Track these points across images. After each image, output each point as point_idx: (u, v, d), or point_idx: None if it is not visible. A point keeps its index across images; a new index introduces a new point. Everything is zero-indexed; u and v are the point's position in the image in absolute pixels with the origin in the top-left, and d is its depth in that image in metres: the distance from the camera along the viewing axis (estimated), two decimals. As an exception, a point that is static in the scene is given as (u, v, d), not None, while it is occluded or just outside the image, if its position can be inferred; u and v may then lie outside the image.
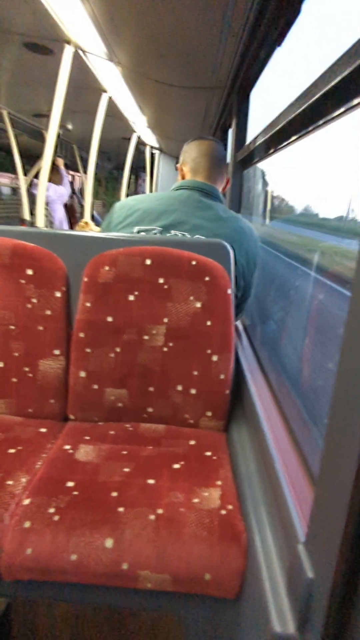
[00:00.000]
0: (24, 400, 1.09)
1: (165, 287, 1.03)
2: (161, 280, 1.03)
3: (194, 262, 1.02)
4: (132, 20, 1.54)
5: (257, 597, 0.60)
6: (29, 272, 1.05)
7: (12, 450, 0.92)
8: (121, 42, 1.85)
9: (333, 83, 0.71)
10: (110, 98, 2.94)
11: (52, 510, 0.75)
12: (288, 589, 0.56)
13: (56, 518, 0.74)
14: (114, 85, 2.65)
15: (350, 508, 0.40)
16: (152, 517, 0.75)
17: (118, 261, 1.03)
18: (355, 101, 0.71)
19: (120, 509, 0.76)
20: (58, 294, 1.06)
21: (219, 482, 0.85)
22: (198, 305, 1.03)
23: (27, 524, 0.73)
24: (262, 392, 1.04)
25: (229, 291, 1.03)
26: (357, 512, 0.40)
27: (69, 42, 1.97)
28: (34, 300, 1.05)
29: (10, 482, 0.82)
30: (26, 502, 0.77)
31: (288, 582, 0.56)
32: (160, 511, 0.76)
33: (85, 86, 2.68)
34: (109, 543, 0.71)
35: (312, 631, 0.48)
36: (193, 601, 0.75)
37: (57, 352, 1.07)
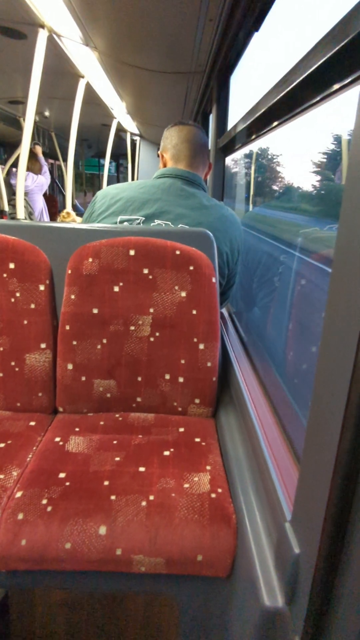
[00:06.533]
0: (11, 394, 1.08)
1: (150, 277, 1.03)
2: (146, 271, 1.03)
3: (177, 252, 1.03)
4: (107, 3, 1.50)
5: (248, 574, 0.62)
6: (11, 265, 1.04)
7: (1, 445, 0.92)
8: (96, 26, 1.80)
9: (312, 69, 0.71)
10: (88, 84, 2.87)
11: (44, 501, 0.76)
12: (276, 565, 0.59)
13: (49, 509, 0.75)
14: (91, 70, 2.58)
15: (332, 486, 0.42)
16: (144, 503, 0.76)
17: (102, 252, 1.03)
18: (335, 87, 0.72)
19: (113, 497, 0.77)
20: (42, 287, 1.05)
21: (209, 467, 0.87)
22: (183, 294, 1.03)
23: (20, 516, 0.74)
24: (248, 377, 1.06)
25: (214, 280, 1.04)
26: (339, 490, 0.42)
27: (42, 26, 1.91)
28: (18, 295, 1.04)
29: (1, 476, 0.82)
30: (18, 494, 0.78)
31: (276, 559, 0.59)
32: (151, 497, 0.77)
33: (61, 71, 2.61)
34: (102, 530, 0.72)
35: (299, 603, 0.50)
36: (186, 582, 0.78)
37: (43, 345, 1.07)
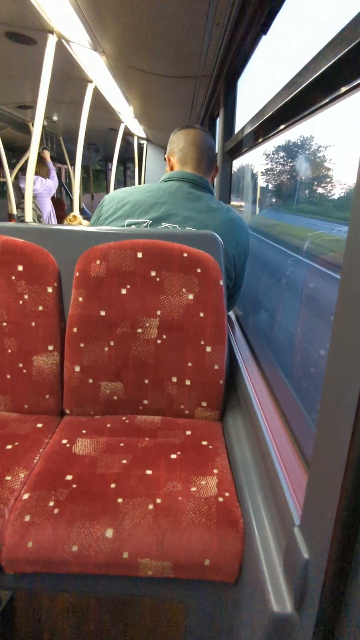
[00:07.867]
0: (19, 396, 1.09)
1: (158, 279, 1.03)
2: (153, 273, 1.03)
3: (185, 254, 1.03)
4: (115, 9, 1.52)
5: (256, 579, 0.62)
6: (20, 268, 1.04)
7: (9, 447, 0.93)
8: (105, 31, 1.82)
9: (320, 72, 0.71)
10: (95, 88, 2.89)
11: (51, 503, 0.76)
12: (285, 571, 0.58)
13: (56, 511, 0.75)
14: (100, 75, 2.61)
15: (342, 490, 0.42)
16: (151, 506, 0.76)
17: (109, 255, 1.03)
18: (342, 89, 0.71)
19: (120, 500, 0.77)
20: (50, 290, 1.06)
21: (216, 471, 0.86)
22: (190, 297, 1.03)
23: (27, 518, 0.74)
24: (255, 381, 1.06)
25: (221, 282, 1.04)
26: (349, 493, 0.41)
27: (52, 32, 1.94)
28: (26, 297, 1.05)
29: (8, 478, 0.82)
30: (25, 496, 0.78)
31: (285, 564, 0.58)
32: (158, 500, 0.77)
33: (70, 76, 2.64)
34: (109, 533, 0.72)
35: (309, 610, 0.49)
36: (194, 586, 0.77)
37: (51, 347, 1.07)
